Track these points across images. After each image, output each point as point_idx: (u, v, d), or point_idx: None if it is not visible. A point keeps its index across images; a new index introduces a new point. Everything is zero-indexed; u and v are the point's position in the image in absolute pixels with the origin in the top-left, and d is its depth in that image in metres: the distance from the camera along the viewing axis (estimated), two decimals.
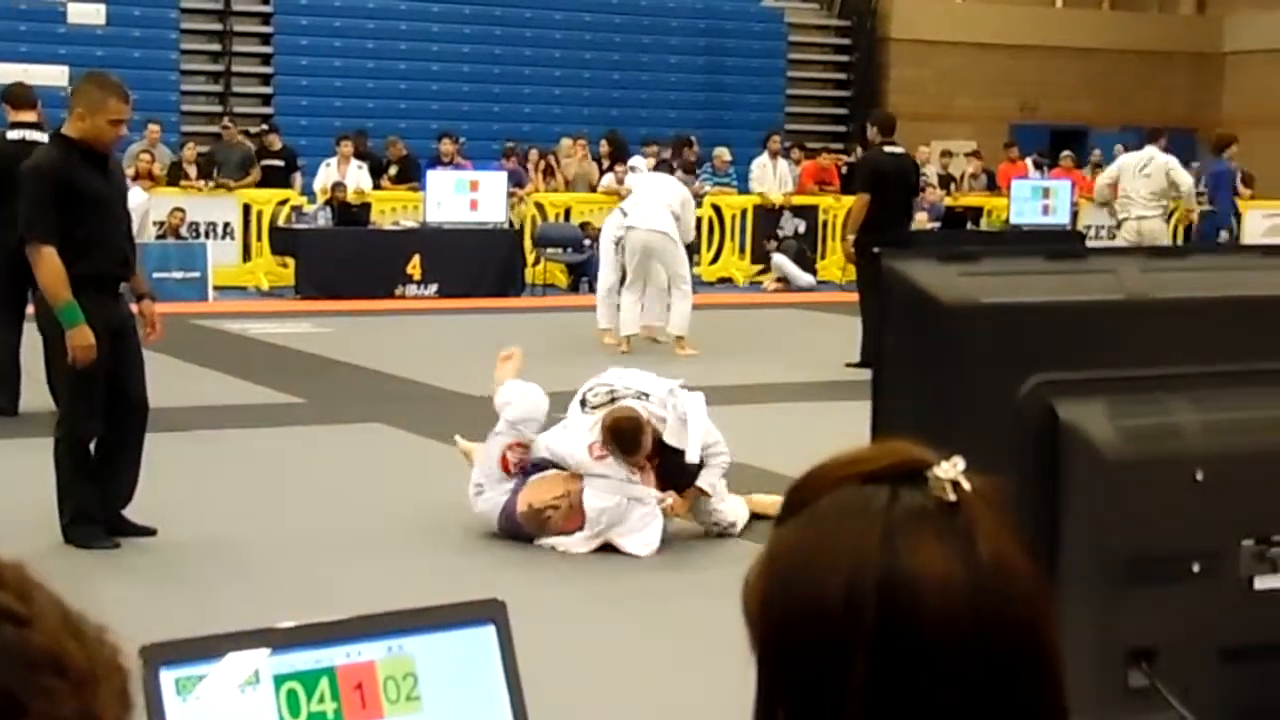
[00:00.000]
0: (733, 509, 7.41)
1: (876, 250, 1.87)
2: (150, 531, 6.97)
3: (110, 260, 6.84)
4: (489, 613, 1.75)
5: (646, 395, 7.36)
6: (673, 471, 7.20)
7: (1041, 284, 1.92)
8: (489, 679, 1.73)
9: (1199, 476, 1.90)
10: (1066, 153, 22.99)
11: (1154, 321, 1.96)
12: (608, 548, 7.04)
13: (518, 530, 7.14)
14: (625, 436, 7.09)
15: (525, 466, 7.28)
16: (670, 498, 7.15)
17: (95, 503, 6.86)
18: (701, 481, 7.23)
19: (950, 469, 1.15)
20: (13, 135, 10.15)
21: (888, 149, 12.98)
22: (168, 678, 1.57)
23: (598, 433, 7.14)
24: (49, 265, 6.67)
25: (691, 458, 7.16)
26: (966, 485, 1.14)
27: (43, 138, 10.53)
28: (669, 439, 7.18)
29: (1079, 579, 1.88)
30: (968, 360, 1.87)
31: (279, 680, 1.63)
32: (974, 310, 1.85)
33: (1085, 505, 1.88)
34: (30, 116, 10.40)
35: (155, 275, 16.74)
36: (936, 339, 1.87)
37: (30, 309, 9.09)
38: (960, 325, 1.86)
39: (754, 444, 7.61)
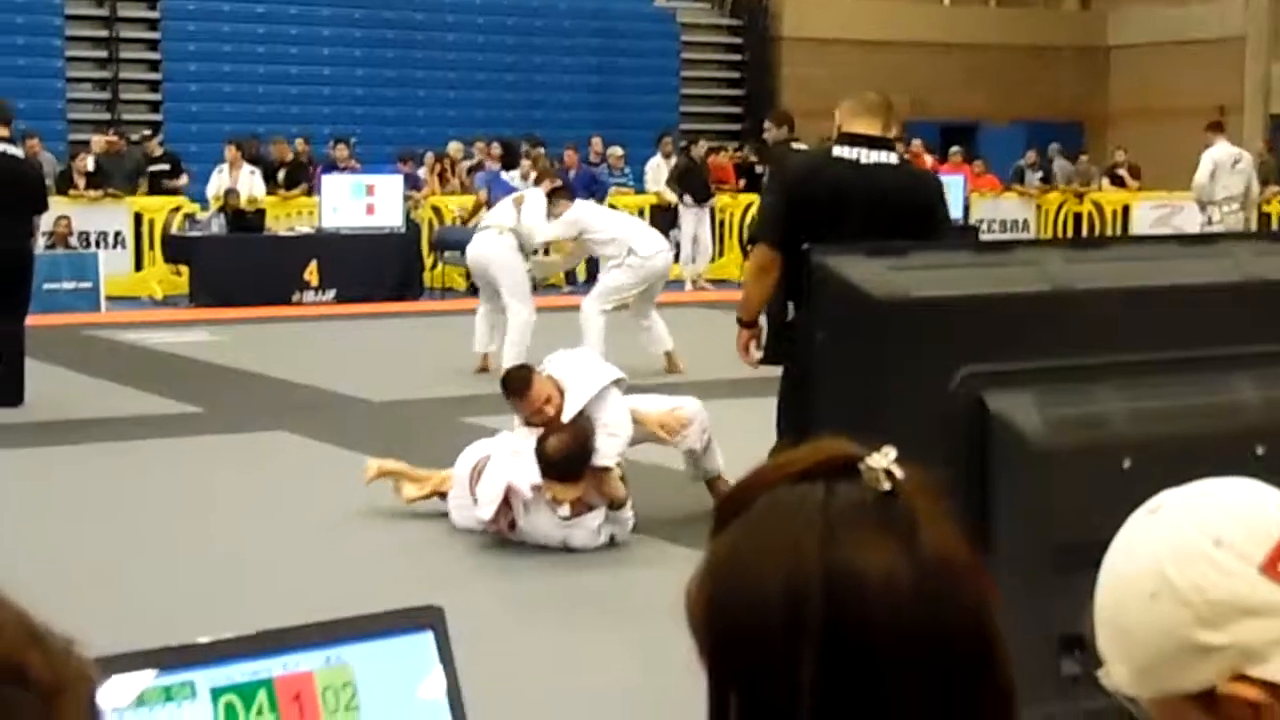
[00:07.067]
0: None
1: (805, 247, 1.87)
2: None
3: None
4: (427, 619, 1.73)
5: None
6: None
7: (969, 277, 1.92)
8: (428, 687, 1.72)
9: (1126, 465, 1.91)
10: (955, 148, 23.23)
11: (1079, 312, 1.97)
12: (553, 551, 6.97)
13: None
14: (511, 385, 7.22)
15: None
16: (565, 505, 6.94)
17: None
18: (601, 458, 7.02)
19: (882, 459, 1.15)
20: None
21: (794, 145, 13.04)
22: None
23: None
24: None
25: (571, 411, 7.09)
26: (900, 474, 1.14)
27: (19, 152, 10.51)
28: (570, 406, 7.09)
29: (1011, 568, 1.89)
30: (899, 354, 1.87)
31: (216, 693, 1.60)
32: (904, 304, 1.86)
33: (1016, 495, 1.89)
34: (4, 131, 10.49)
35: (46, 286, 16.50)
36: (867, 334, 1.87)
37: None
38: (891, 319, 1.86)
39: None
